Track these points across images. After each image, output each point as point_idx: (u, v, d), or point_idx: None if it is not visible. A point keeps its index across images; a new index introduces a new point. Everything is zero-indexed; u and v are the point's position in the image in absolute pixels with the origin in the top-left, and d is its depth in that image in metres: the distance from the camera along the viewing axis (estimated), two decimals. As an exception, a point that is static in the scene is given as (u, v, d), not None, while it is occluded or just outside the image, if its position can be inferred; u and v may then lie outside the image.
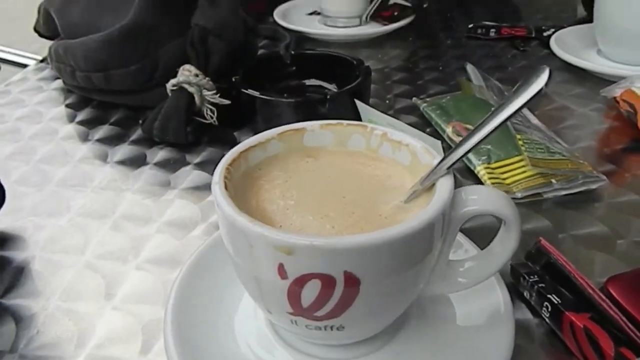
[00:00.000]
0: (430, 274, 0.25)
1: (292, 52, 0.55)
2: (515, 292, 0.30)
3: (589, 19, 0.58)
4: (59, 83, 0.58)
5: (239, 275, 0.25)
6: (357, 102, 0.45)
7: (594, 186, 0.38)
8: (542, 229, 0.35)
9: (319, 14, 0.73)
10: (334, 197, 0.25)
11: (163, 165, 0.44)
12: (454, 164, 0.24)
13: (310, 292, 0.21)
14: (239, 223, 0.22)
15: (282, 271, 0.21)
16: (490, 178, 0.39)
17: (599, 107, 0.50)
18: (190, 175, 0.43)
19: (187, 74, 0.47)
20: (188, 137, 0.46)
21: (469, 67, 0.52)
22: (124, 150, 0.46)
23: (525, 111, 0.46)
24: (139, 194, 0.41)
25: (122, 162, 0.45)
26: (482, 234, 0.29)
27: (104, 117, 0.52)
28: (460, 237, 0.31)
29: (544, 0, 0.81)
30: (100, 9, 0.52)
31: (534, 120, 0.45)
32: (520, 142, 0.40)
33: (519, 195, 0.38)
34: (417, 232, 0.21)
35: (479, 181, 0.40)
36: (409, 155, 0.27)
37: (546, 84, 0.22)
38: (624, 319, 0.25)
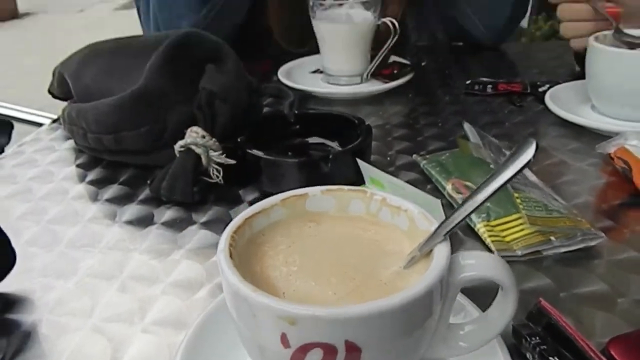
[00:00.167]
0: (431, 338, 0.25)
1: (296, 112, 0.56)
2: (517, 354, 0.30)
3: (583, 74, 0.60)
4: (70, 143, 0.60)
5: (243, 341, 0.26)
6: (359, 161, 0.46)
7: (592, 243, 0.39)
8: (543, 288, 0.36)
9: (321, 72, 0.76)
10: (336, 263, 0.26)
11: (170, 224, 0.45)
12: (449, 231, 0.24)
13: (312, 361, 0.22)
14: (243, 292, 0.22)
15: (285, 340, 0.22)
16: (490, 236, 0.40)
17: (596, 162, 0.52)
18: (196, 234, 0.44)
19: (194, 135, 0.49)
20: (195, 197, 0.48)
21: (466, 126, 0.54)
22: (132, 209, 0.48)
23: (523, 168, 0.47)
24: (146, 254, 0.41)
25: (130, 222, 0.46)
26: (484, 291, 0.29)
27: (113, 177, 0.53)
28: (461, 298, 0.31)
29: (539, 55, 0.84)
30: (112, 74, 0.55)
31: (532, 177, 0.47)
32: (519, 201, 0.41)
33: (519, 252, 0.38)
34: (416, 300, 0.22)
35: (479, 239, 0.41)
36: (407, 221, 0.28)
37: (534, 156, 0.23)
38: (625, 383, 0.25)
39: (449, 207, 0.45)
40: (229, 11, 0.75)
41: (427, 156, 0.52)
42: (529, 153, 0.23)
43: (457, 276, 0.24)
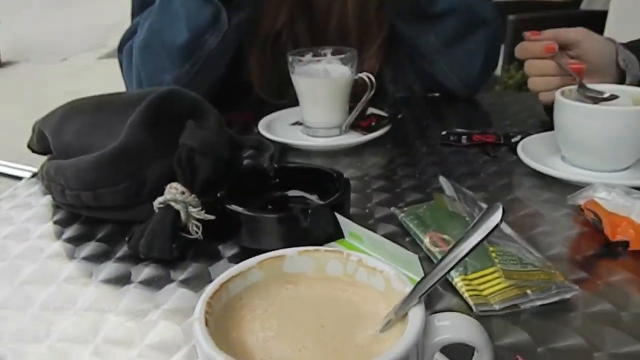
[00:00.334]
0: (409, 403, 0.25)
1: (275, 165, 0.57)
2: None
3: (552, 125, 0.63)
4: (48, 199, 0.60)
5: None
6: (338, 215, 0.47)
7: (567, 296, 0.39)
8: (522, 343, 0.36)
9: (301, 124, 0.78)
10: (313, 327, 0.26)
11: (148, 283, 0.45)
12: (423, 294, 0.25)
13: None
14: (218, 362, 0.22)
15: (260, 412, 0.22)
16: (467, 290, 0.40)
17: (568, 212, 0.53)
18: (174, 293, 0.43)
19: (173, 192, 0.49)
20: (173, 253, 0.47)
21: (442, 179, 0.55)
22: (109, 268, 0.47)
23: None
24: (122, 315, 0.41)
25: (106, 281, 0.45)
26: (463, 349, 0.29)
27: (90, 234, 0.53)
28: (439, 357, 0.31)
29: (511, 107, 0.87)
30: (93, 130, 0.56)
31: (507, 229, 0.47)
32: (494, 255, 0.41)
33: (496, 307, 0.39)
34: (392, 366, 0.22)
35: (456, 292, 0.41)
36: (383, 282, 0.28)
37: (501, 220, 0.24)
38: None
39: (427, 261, 0.46)
40: (211, 65, 0.77)
41: (405, 209, 0.53)
42: (495, 218, 0.23)
43: (432, 339, 0.25)
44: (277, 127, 0.77)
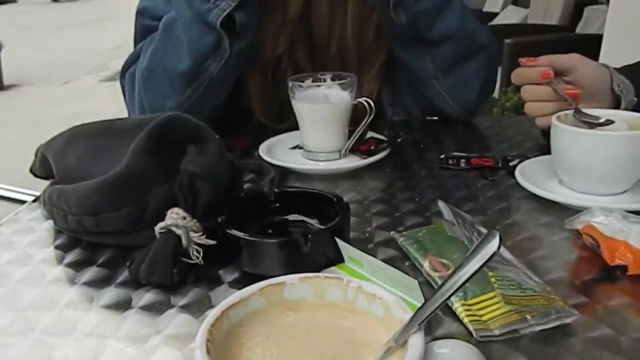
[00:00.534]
0: None
1: (276, 190, 0.58)
2: None
3: (550, 149, 0.63)
4: (50, 223, 0.60)
5: None
6: (338, 240, 0.47)
7: (567, 321, 0.40)
8: (521, 369, 0.36)
9: (301, 148, 0.78)
10: (313, 355, 0.26)
11: (148, 308, 0.45)
12: (423, 321, 0.25)
13: None
14: (220, 391, 0.22)
15: None
16: (467, 315, 0.40)
17: (566, 236, 0.53)
18: (175, 318, 0.43)
19: (175, 217, 0.49)
20: (174, 278, 0.48)
21: (441, 204, 0.56)
22: (110, 293, 0.47)
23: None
24: (123, 340, 0.41)
25: (107, 306, 0.45)
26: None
27: (92, 259, 0.53)
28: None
29: (508, 130, 0.88)
30: (95, 155, 0.56)
31: (506, 253, 0.48)
32: (493, 280, 0.42)
33: (496, 332, 0.39)
34: (392, 395, 0.22)
35: (456, 318, 0.41)
36: (382, 309, 0.29)
37: (498, 247, 0.24)
38: None
39: (427, 285, 0.46)
40: (212, 91, 0.78)
41: (405, 233, 0.53)
42: (493, 245, 0.24)
43: (432, 367, 0.25)
44: (277, 151, 0.78)
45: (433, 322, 0.41)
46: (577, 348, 0.38)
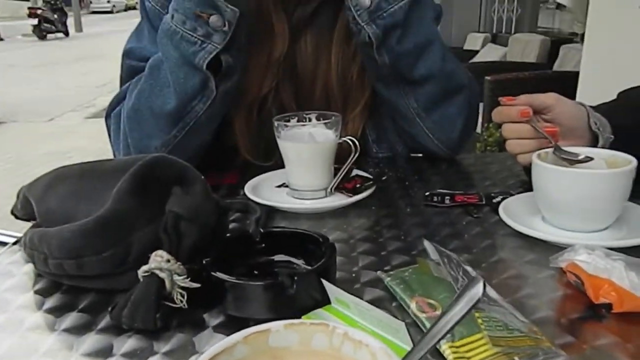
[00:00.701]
0: None
1: (261, 230, 0.58)
2: None
3: (531, 185, 0.64)
4: (30, 267, 0.59)
5: None
6: (324, 282, 0.47)
7: (555, 361, 0.39)
8: (511, 413, 0.35)
9: (287, 186, 0.78)
10: (299, 405, 0.26)
11: (130, 355, 0.44)
12: (410, 370, 0.25)
13: None
14: None
15: None
16: (455, 357, 0.40)
17: (551, 273, 0.54)
18: (157, 366, 0.42)
19: (159, 259, 0.49)
20: (157, 323, 0.46)
21: (426, 243, 0.56)
22: (91, 340, 0.46)
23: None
24: (102, 391, 0.39)
25: (88, 354, 0.44)
26: None
27: (72, 303, 0.52)
28: None
29: (491, 167, 0.89)
30: (78, 197, 0.56)
31: (492, 292, 0.48)
32: (480, 321, 0.41)
33: (485, 375, 0.38)
34: None
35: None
36: (369, 356, 0.28)
37: (483, 294, 0.24)
38: None
39: (414, 326, 0.45)
40: (198, 131, 0.79)
41: (391, 272, 0.53)
42: (477, 290, 0.24)
43: (420, 417, 0.24)
44: (263, 190, 0.78)
45: (421, 365, 0.40)
46: (566, 390, 0.37)
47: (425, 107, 0.84)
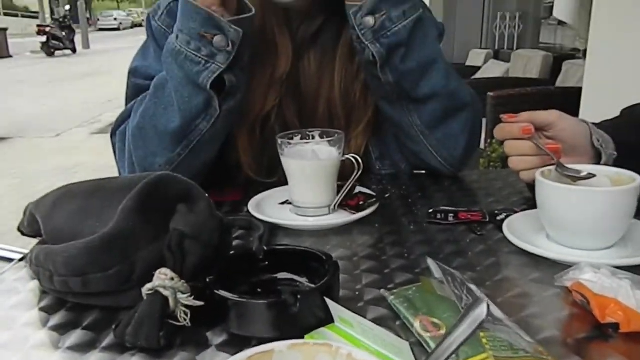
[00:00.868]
0: None
1: (265, 247, 0.58)
2: None
3: (535, 202, 0.64)
4: (35, 284, 0.59)
5: None
6: (328, 300, 0.47)
7: (561, 382, 0.39)
8: None
9: (290, 203, 0.79)
10: None
11: (133, 375, 0.44)
12: (414, 391, 0.25)
13: None
14: None
15: None
16: (460, 378, 0.39)
17: (557, 292, 0.53)
18: (160, 385, 0.42)
19: (163, 277, 0.49)
20: (161, 342, 0.47)
21: (430, 261, 0.56)
22: (95, 358, 0.46)
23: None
24: (105, 410, 0.39)
25: (91, 373, 0.44)
26: None
27: (77, 321, 0.52)
28: None
29: (495, 184, 0.89)
30: (84, 216, 0.56)
31: (497, 311, 0.48)
32: (485, 341, 0.41)
33: (490, 395, 0.38)
34: None
35: (449, 381, 0.40)
36: (373, 377, 0.28)
37: (487, 315, 0.24)
38: None
39: (418, 346, 0.45)
40: (202, 149, 0.79)
41: (395, 291, 0.53)
42: (481, 312, 0.24)
43: None
44: (266, 207, 0.78)
45: (425, 385, 0.40)
46: (572, 411, 0.37)
47: (429, 125, 0.85)
